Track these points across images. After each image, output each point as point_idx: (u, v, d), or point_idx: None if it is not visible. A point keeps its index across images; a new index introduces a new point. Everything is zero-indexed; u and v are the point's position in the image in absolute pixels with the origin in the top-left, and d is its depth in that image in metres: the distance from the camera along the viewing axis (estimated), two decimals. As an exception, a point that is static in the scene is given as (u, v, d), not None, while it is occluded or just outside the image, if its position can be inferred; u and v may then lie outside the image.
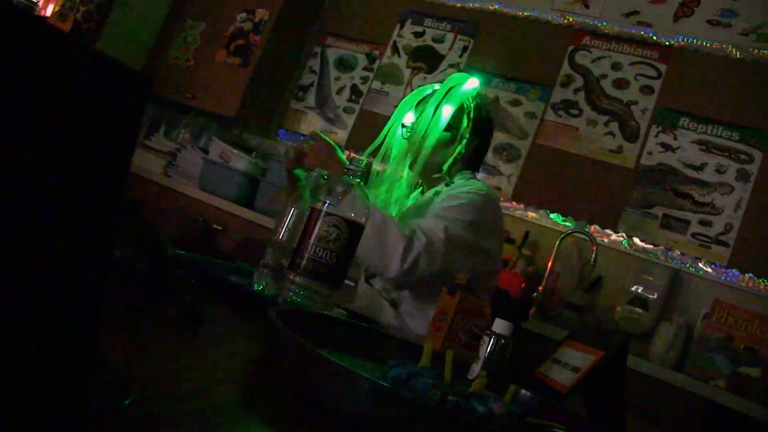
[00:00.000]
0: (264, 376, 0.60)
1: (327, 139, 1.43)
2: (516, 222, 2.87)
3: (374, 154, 1.61)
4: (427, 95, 1.61)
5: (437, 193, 1.59)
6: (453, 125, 1.58)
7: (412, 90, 3.26)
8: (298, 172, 1.36)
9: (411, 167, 1.60)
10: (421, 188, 1.70)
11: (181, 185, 3.05)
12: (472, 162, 1.69)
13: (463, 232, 1.45)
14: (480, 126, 1.64)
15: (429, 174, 1.61)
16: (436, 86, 1.63)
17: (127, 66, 0.28)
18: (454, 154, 1.59)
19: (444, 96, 1.58)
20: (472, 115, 1.60)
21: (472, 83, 1.63)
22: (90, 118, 0.28)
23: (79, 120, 0.27)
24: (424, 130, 1.55)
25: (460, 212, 1.47)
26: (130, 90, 0.29)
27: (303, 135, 3.50)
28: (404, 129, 1.61)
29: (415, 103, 1.63)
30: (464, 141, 1.59)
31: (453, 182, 1.61)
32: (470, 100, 1.61)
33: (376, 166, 1.63)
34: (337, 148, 1.42)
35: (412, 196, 1.67)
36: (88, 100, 0.27)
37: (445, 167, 1.59)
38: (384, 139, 1.62)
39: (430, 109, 1.57)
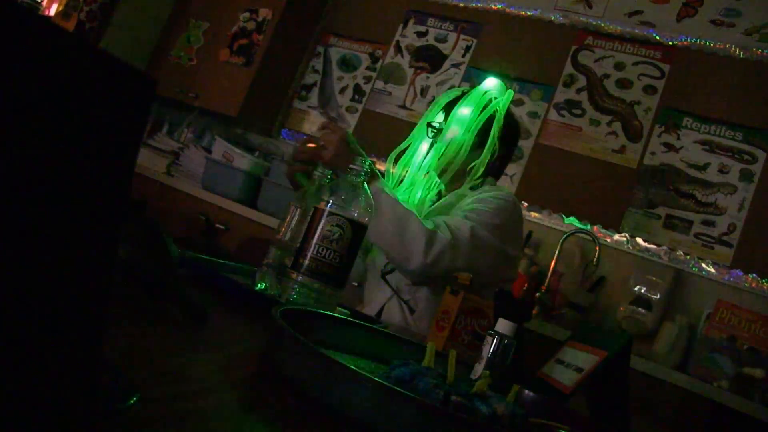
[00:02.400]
0: (267, 375, 0.60)
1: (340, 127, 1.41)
2: (519, 222, 2.87)
3: (397, 157, 1.61)
4: (458, 98, 1.60)
5: (461, 196, 1.58)
6: (483, 131, 1.57)
7: (414, 90, 3.30)
8: (299, 177, 1.30)
9: (440, 174, 1.59)
10: (437, 191, 1.69)
11: (184, 184, 3.06)
12: (495, 170, 1.68)
13: (490, 236, 1.44)
14: (507, 134, 1.63)
15: (453, 179, 1.60)
16: (467, 89, 1.62)
17: (131, 66, 0.28)
18: (482, 161, 1.57)
19: (477, 101, 1.57)
20: (501, 122, 1.59)
21: (504, 90, 1.63)
22: (94, 118, 0.28)
23: (83, 120, 0.27)
24: (453, 135, 1.55)
25: (489, 216, 1.46)
26: (134, 90, 0.29)
27: (305, 134, 3.49)
28: (430, 129, 1.59)
29: (444, 106, 1.62)
30: (492, 148, 1.57)
31: (479, 187, 1.59)
32: (501, 108, 1.60)
33: (398, 170, 1.62)
34: (350, 135, 1.39)
35: (428, 199, 1.66)
36: (92, 100, 0.27)
37: (473, 173, 1.57)
38: (410, 142, 1.61)
39: (459, 112, 1.56)
